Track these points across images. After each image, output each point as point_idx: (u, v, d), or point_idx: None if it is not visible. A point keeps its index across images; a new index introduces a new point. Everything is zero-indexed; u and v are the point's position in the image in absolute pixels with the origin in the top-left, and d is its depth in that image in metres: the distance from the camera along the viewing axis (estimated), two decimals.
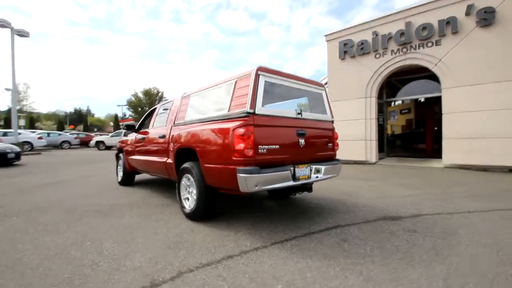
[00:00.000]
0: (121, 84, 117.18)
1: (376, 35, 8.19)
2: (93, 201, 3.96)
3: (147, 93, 31.96)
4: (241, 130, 2.27)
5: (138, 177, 5.55)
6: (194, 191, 2.89)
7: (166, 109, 4.02)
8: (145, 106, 31.30)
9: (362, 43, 8.46)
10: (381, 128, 9.20)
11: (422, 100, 12.37)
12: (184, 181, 3.09)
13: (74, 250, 2.23)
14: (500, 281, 1.68)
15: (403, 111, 17.41)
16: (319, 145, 3.02)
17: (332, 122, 3.30)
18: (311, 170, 2.74)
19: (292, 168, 2.52)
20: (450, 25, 6.81)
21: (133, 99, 31.98)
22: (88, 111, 59.45)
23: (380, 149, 9.00)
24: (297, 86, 2.88)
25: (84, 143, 22.24)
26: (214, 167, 2.52)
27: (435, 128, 11.12)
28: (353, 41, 8.69)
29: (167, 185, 5.22)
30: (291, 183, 2.51)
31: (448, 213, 3.13)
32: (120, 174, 5.39)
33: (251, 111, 2.32)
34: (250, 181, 2.23)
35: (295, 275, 1.79)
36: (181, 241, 2.38)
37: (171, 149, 3.33)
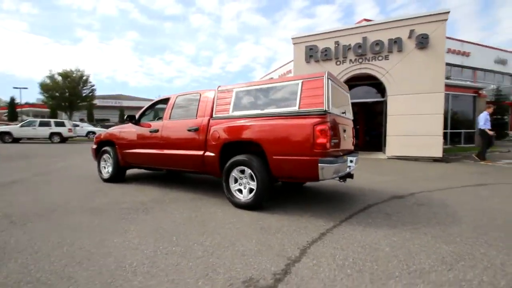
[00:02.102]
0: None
1: (338, 44, 9.40)
2: (103, 199, 3.57)
3: (66, 75, 26.91)
4: (322, 126, 2.61)
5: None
6: (252, 182, 3.06)
7: (191, 101, 3.91)
8: (64, 90, 26.31)
9: (326, 50, 9.55)
10: None
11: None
12: (235, 174, 3.19)
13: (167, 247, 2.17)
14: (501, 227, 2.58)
15: None
16: (350, 139, 3.59)
17: (352, 121, 3.93)
18: (351, 161, 3.29)
19: (347, 158, 3.01)
20: (396, 44, 8.47)
21: (48, 81, 26.45)
22: None
23: None
24: (341, 91, 3.38)
25: None
26: (288, 159, 2.77)
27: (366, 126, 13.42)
28: (318, 47, 9.71)
29: (162, 179, 5.00)
30: (346, 171, 3.00)
31: (428, 191, 4.19)
32: (108, 170, 4.83)
33: (327, 110, 2.69)
34: (329, 170, 2.61)
35: (386, 240, 2.28)
36: (266, 227, 2.57)
37: (214, 142, 3.34)
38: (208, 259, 1.94)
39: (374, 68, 8.93)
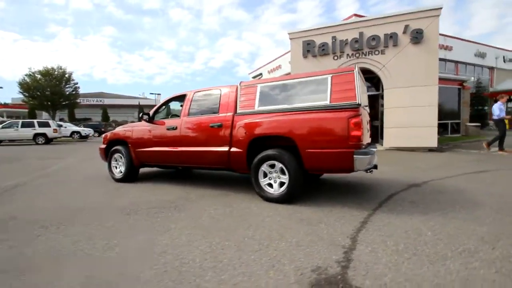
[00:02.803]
0: None
1: (335, 39, 9.54)
2: (126, 199, 3.50)
3: (47, 73, 25.63)
4: (356, 119, 2.69)
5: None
6: (283, 176, 3.11)
7: (211, 98, 3.87)
8: (46, 89, 25.06)
9: (323, 45, 9.67)
10: None
11: None
12: (264, 168, 3.22)
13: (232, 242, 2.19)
14: None
15: None
16: (368, 131, 3.71)
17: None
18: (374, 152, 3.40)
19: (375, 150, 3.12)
20: (392, 39, 8.71)
21: (28, 80, 25.08)
22: None
23: None
24: (363, 84, 3.48)
25: None
26: (323, 151, 2.83)
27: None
28: (315, 42, 9.81)
29: (174, 177, 4.95)
30: (375, 162, 3.11)
31: (439, 179, 4.40)
32: (120, 169, 4.71)
33: (359, 103, 2.76)
34: (364, 162, 2.70)
35: (424, 225, 2.40)
36: (305, 219, 2.62)
37: (241, 138, 3.35)
38: (267, 251, 1.98)
39: (371, 62, 9.15)
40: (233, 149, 3.44)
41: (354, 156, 2.68)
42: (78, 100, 29.62)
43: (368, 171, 3.33)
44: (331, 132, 2.82)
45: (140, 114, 4.37)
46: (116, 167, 4.80)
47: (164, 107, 4.62)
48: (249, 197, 3.43)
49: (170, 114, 4.79)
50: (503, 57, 23.53)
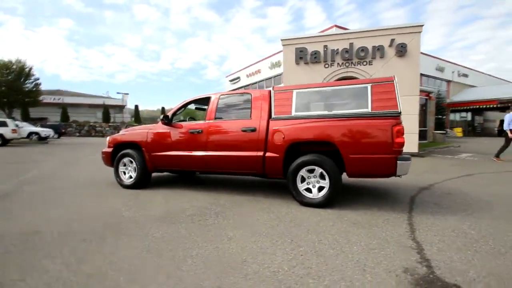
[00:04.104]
0: None
1: (326, 48, 9.97)
2: (155, 208, 3.32)
3: (3, 67, 22.93)
4: (399, 127, 2.88)
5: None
6: (322, 181, 3.19)
7: (240, 101, 3.84)
8: (1, 85, 22.36)
9: (315, 53, 10.05)
10: None
11: None
12: (303, 173, 3.27)
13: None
14: None
15: None
16: None
17: None
18: None
19: None
20: (379, 51, 9.37)
21: None
22: None
23: None
24: None
25: None
26: (366, 157, 2.97)
27: None
28: (307, 49, 10.15)
29: (185, 183, 4.78)
30: None
31: (439, 182, 4.83)
32: (130, 175, 4.43)
33: (401, 111, 2.96)
34: (405, 167, 2.90)
35: (463, 225, 2.63)
36: (356, 223, 2.73)
37: (279, 143, 3.36)
38: (347, 255, 2.03)
39: (360, 72, 9.72)
40: (268, 154, 3.44)
41: (398, 161, 2.85)
42: (41, 98, 26.82)
43: (399, 175, 3.56)
44: (375, 138, 2.97)
45: (161, 116, 4.15)
46: (124, 173, 4.49)
47: (182, 109, 4.44)
48: (281, 202, 3.46)
49: (188, 117, 4.62)
50: (458, 71, 26.51)
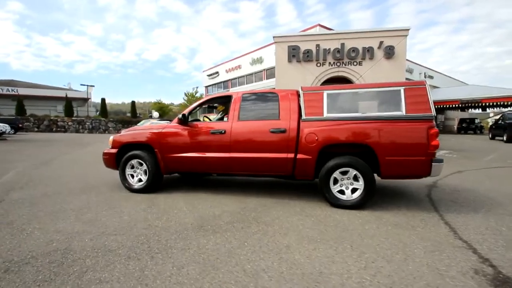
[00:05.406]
0: None
1: (319, 47, 10.12)
2: (184, 216, 3.12)
3: None
4: (434, 130, 2.98)
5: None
6: (356, 183, 3.22)
7: (266, 101, 3.71)
8: None
9: (308, 52, 10.15)
10: None
11: None
12: (336, 175, 3.27)
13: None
14: None
15: None
16: None
17: None
18: None
19: None
20: (369, 52, 9.73)
21: None
22: None
23: None
24: None
25: None
26: (402, 159, 3.04)
27: None
28: (300, 47, 10.21)
29: (196, 185, 4.58)
30: None
31: (441, 179, 5.16)
32: (140, 178, 4.10)
33: (435, 115, 3.07)
34: (439, 168, 3.03)
35: (490, 222, 2.82)
36: (396, 224, 2.79)
37: (311, 145, 3.31)
38: (415, 260, 2.06)
39: (350, 72, 10.03)
40: (300, 155, 3.38)
41: (433, 163, 2.97)
42: None
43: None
44: (412, 141, 3.05)
45: (180, 115, 3.86)
46: (132, 176, 4.14)
47: (198, 108, 4.18)
48: (311, 204, 3.45)
49: (204, 116, 4.37)
50: (424, 73, 28.63)
